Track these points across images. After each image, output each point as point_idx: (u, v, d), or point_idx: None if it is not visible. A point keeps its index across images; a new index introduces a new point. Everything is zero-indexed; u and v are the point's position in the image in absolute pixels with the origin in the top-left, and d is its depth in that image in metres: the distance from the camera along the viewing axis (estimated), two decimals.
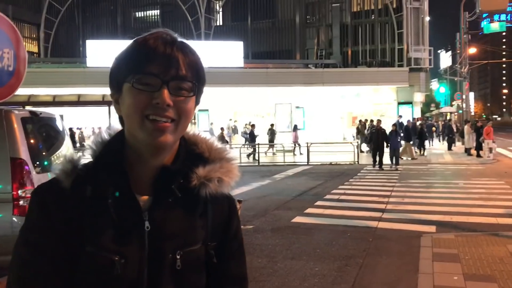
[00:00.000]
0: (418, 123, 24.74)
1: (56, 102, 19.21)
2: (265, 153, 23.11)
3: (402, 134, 19.64)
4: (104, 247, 1.02)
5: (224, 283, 1.18)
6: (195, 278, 1.11)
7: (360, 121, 26.34)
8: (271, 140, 23.64)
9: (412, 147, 21.72)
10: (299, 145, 23.37)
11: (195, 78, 1.06)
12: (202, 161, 1.13)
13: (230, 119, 27.95)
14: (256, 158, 21.12)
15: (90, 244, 1.03)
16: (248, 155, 21.93)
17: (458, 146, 27.19)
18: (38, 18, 32.96)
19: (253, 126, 24.19)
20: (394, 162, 17.66)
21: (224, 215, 1.17)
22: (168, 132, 1.02)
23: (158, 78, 1.01)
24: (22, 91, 20.55)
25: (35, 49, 35.28)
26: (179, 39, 1.07)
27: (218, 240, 1.15)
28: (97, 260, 1.02)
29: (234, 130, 26.65)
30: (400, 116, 24.87)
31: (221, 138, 22.35)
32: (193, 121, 21.82)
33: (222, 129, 23.65)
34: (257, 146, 21.39)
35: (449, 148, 25.89)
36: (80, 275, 1.03)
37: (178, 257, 1.06)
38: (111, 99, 1.11)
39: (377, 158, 17.62)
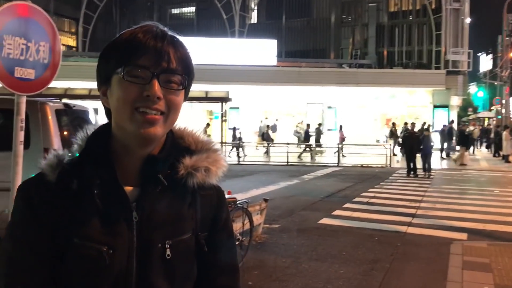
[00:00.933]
0: (470, 128, 23.95)
1: (91, 95, 19.62)
2: (310, 152, 22.85)
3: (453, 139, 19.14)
4: (92, 238, 1.02)
5: (215, 273, 1.18)
6: (185, 267, 1.11)
7: (393, 123, 25.90)
8: (317, 140, 23.41)
9: (466, 153, 20.80)
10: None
11: (185, 72, 1.07)
12: (189, 153, 1.13)
13: (276, 119, 27.49)
14: (301, 157, 21.18)
15: (77, 236, 1.02)
16: (300, 154, 21.95)
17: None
18: (77, 13, 33.78)
19: (308, 125, 24.08)
20: (426, 168, 16.39)
21: (213, 205, 1.17)
22: (157, 125, 1.03)
23: (149, 70, 1.02)
24: (60, 84, 21.13)
25: (73, 44, 36.20)
26: (170, 32, 1.07)
27: (207, 231, 1.15)
28: (85, 252, 1.02)
29: (274, 128, 26.27)
30: (452, 122, 24.26)
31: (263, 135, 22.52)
32: (223, 118, 22.06)
33: (268, 126, 23.59)
34: (309, 145, 21.50)
35: (495, 154, 24.79)
36: (68, 267, 1.03)
37: (167, 246, 1.06)
38: (98, 91, 1.10)
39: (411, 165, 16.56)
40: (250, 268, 5.66)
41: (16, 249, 1.04)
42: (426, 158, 16.35)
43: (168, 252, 1.06)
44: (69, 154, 1.10)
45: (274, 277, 5.48)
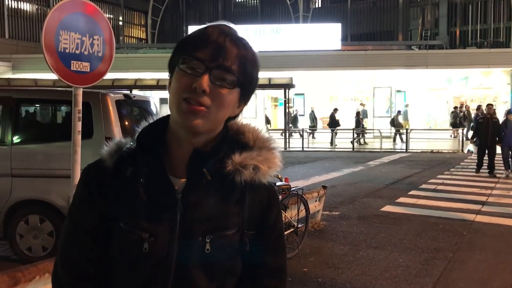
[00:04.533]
0: None
1: (159, 85, 20.29)
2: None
3: None
4: (135, 225, 1.07)
5: (261, 274, 1.17)
6: (226, 263, 1.11)
7: (467, 106, 24.58)
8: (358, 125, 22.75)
9: None
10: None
11: (241, 72, 1.06)
12: (243, 149, 1.13)
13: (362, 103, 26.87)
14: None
15: (123, 221, 1.08)
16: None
17: None
18: (146, 5, 34.92)
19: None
20: (510, 165, 12.28)
21: (262, 204, 1.16)
22: (199, 117, 1.03)
23: (204, 64, 1.03)
24: (130, 76, 22.02)
25: (143, 35, 37.48)
26: (238, 34, 1.08)
27: (255, 229, 1.14)
28: (128, 236, 1.07)
29: (364, 114, 25.52)
30: None
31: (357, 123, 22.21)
32: (289, 105, 21.98)
33: (358, 113, 23.26)
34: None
35: None
36: (114, 249, 1.09)
37: (207, 240, 1.07)
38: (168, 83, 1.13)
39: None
40: (306, 255, 5.66)
41: (72, 226, 1.14)
42: (509, 152, 12.33)
43: (207, 246, 1.07)
44: (130, 142, 1.15)
45: (330, 264, 5.43)
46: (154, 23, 34.48)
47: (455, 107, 23.72)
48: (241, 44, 1.06)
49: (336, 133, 21.32)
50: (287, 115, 22.51)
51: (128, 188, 1.09)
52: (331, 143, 21.20)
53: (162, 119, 1.14)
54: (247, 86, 1.09)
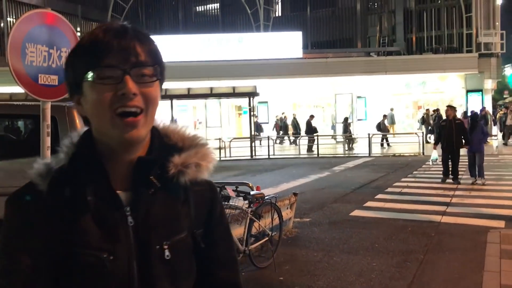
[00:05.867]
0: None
1: None
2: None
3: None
4: (91, 246, 1.01)
5: (215, 268, 1.18)
6: (185, 266, 1.11)
7: (427, 110, 25.34)
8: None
9: None
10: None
11: (155, 62, 1.04)
12: (177, 151, 1.12)
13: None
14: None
15: (75, 244, 1.01)
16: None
17: None
18: (104, 16, 34.30)
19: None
20: (476, 172, 11.18)
21: (206, 200, 1.17)
22: (139, 126, 1.01)
23: (118, 68, 0.99)
24: None
25: None
26: (130, 26, 1.05)
27: (203, 227, 1.15)
28: (85, 259, 1.01)
29: (391, 118, 25.10)
30: (502, 106, 22.68)
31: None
32: (252, 113, 22.06)
33: (384, 116, 23.39)
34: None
35: None
36: (69, 276, 1.02)
37: (165, 247, 1.06)
38: (72, 101, 1.08)
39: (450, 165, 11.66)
40: (281, 263, 5.65)
41: (9, 260, 1.02)
42: (478, 158, 11.19)
43: (167, 252, 1.06)
44: (57, 161, 1.07)
45: (306, 271, 5.45)
46: None
47: (436, 110, 24.01)
48: (143, 36, 1.04)
49: (313, 140, 21.41)
50: (254, 124, 22.59)
51: (72, 209, 1.02)
52: (309, 149, 21.22)
53: (85, 135, 1.09)
54: (162, 74, 1.07)
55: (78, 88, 1.04)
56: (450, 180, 11.58)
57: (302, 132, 23.41)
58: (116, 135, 1.01)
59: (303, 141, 22.20)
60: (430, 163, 12.51)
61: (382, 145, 22.34)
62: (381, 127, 22.83)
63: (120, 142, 1.03)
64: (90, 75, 1.00)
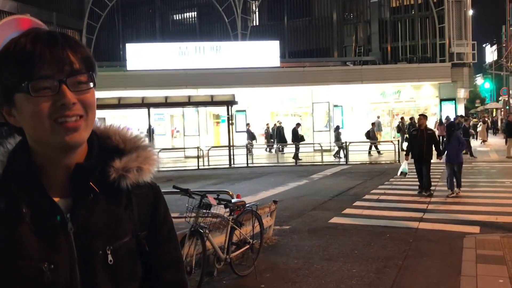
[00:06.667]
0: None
1: (97, 105, 19.63)
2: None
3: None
4: (29, 256, 0.99)
5: (160, 268, 1.19)
6: (129, 270, 1.11)
7: (402, 118, 25.77)
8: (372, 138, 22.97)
9: None
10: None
11: (89, 68, 1.04)
12: (118, 153, 1.11)
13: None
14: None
15: (14, 256, 0.99)
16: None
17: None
18: (80, 24, 33.93)
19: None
20: (453, 184, 10.65)
21: (149, 203, 1.17)
22: (81, 129, 1.01)
23: (54, 79, 0.98)
24: None
25: None
26: (58, 33, 1.03)
27: (147, 229, 1.15)
28: (24, 271, 0.99)
29: (379, 126, 25.18)
30: (459, 116, 22.97)
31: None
32: (231, 121, 22.08)
33: (373, 124, 23.36)
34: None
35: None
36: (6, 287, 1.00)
37: (108, 252, 1.06)
38: (2, 112, 1.05)
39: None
40: (262, 271, 5.65)
41: None
42: (456, 169, 10.62)
43: (110, 258, 1.05)
44: None
45: (287, 279, 5.45)
46: (89, 41, 33.54)
47: (411, 118, 24.31)
48: (74, 42, 1.03)
49: (298, 148, 21.42)
50: (247, 132, 22.52)
51: (8, 221, 1.00)
52: (295, 157, 21.10)
53: (20, 144, 1.07)
54: (96, 77, 1.07)
55: (9, 99, 1.01)
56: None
57: (289, 140, 23.43)
58: (57, 140, 1.00)
59: (288, 149, 22.22)
60: (398, 174, 11.49)
61: (369, 153, 22.56)
62: (370, 135, 23.04)
63: (62, 147, 1.01)
64: (24, 87, 0.97)
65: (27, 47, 0.98)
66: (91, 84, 1.04)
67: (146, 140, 1.18)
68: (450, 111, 26.36)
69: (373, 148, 22.90)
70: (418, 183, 11.23)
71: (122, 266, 1.08)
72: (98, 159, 1.08)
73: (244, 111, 26.85)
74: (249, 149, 21.58)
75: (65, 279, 1.01)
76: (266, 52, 26.95)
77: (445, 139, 11.01)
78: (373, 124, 23.80)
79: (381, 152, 22.49)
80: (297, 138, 22.01)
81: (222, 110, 23.75)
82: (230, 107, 20.69)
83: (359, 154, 21.02)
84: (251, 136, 25.46)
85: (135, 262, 1.12)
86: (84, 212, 1.05)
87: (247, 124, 26.10)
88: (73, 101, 0.99)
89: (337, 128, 23.28)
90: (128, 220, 1.11)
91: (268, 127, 26.69)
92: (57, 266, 1.00)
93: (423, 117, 11.34)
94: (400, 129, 24.48)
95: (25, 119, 1.01)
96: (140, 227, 1.13)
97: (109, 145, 1.13)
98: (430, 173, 10.96)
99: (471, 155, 19.80)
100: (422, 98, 28.38)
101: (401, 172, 11.28)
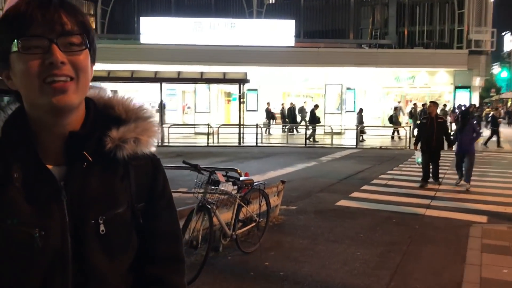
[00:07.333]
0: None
1: (110, 77, 19.71)
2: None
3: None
4: (21, 222, 1.00)
5: (157, 241, 1.18)
6: (122, 240, 1.11)
7: (415, 104, 25.53)
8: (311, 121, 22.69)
9: None
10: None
11: (83, 30, 1.03)
12: (117, 124, 1.11)
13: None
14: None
15: (5, 221, 1.00)
16: None
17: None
18: None
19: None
20: (463, 174, 10.18)
21: (148, 175, 1.16)
22: (70, 91, 1.00)
23: (45, 38, 0.98)
24: None
25: (92, 26, 36.25)
26: None
27: (145, 201, 1.15)
28: (15, 236, 1.00)
29: (401, 110, 24.95)
30: (472, 105, 22.33)
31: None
32: (242, 100, 22.05)
33: (395, 109, 23.33)
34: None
35: None
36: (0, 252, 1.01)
37: (101, 222, 1.05)
38: (2, 77, 1.06)
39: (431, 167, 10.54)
40: (267, 249, 5.70)
41: None
42: (467, 159, 10.05)
43: (102, 227, 1.06)
44: None
45: (291, 258, 5.50)
46: (104, 13, 33.46)
47: (424, 105, 24.05)
48: (67, 4, 1.02)
49: (315, 129, 21.40)
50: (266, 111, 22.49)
51: (2, 186, 1.01)
52: (311, 139, 21.03)
53: (17, 111, 1.07)
54: (92, 43, 1.06)
55: (5, 63, 1.02)
56: (431, 180, 11.29)
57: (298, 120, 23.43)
58: (45, 102, 0.99)
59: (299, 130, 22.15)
60: (416, 163, 11.15)
61: (392, 138, 22.41)
62: (393, 120, 22.87)
63: (50, 109, 1.00)
64: (15, 45, 0.98)
65: (21, 9, 0.99)
66: (84, 47, 1.03)
67: (150, 112, 1.17)
68: (464, 99, 26.07)
69: (396, 133, 22.75)
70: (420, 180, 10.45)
71: (115, 237, 1.08)
72: (94, 128, 1.07)
73: (256, 90, 26.78)
74: (266, 129, 21.56)
75: (55, 246, 1.01)
76: (281, 31, 26.68)
77: (456, 127, 10.61)
78: (395, 108, 23.56)
79: (394, 137, 22.39)
80: (314, 120, 21.91)
81: (233, 88, 23.74)
82: (242, 85, 20.62)
83: (370, 139, 20.92)
84: (270, 116, 25.39)
85: (129, 233, 1.12)
86: (78, 181, 1.05)
87: (268, 103, 25.98)
88: (62, 60, 0.98)
89: (361, 111, 23.03)
90: (124, 190, 1.11)
91: (283, 107, 26.57)
92: (48, 233, 1.01)
93: (433, 104, 10.83)
94: (412, 115, 24.29)
95: (18, 80, 1.01)
96: (137, 199, 1.13)
97: (112, 115, 1.13)
98: (439, 165, 10.57)
99: (498, 145, 19.41)
100: (437, 84, 28.06)
101: (417, 162, 11.01)
